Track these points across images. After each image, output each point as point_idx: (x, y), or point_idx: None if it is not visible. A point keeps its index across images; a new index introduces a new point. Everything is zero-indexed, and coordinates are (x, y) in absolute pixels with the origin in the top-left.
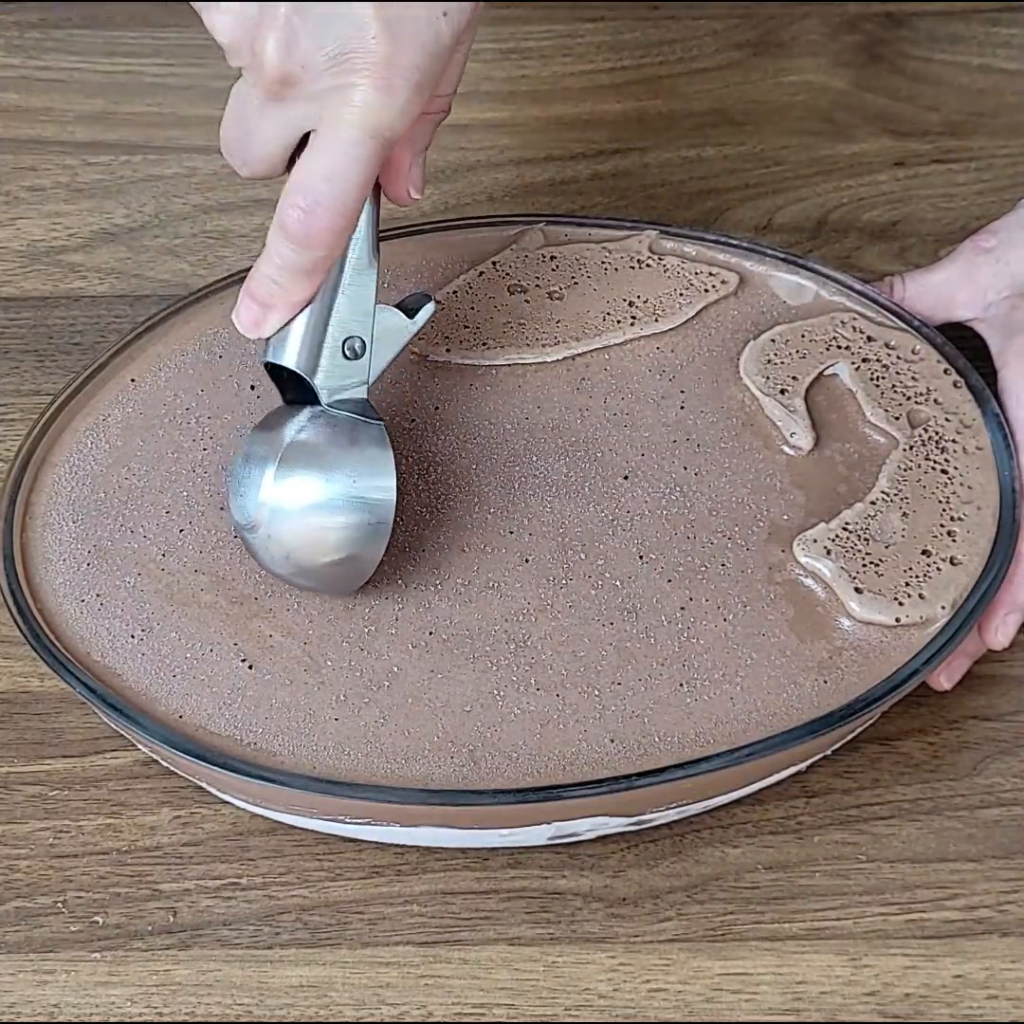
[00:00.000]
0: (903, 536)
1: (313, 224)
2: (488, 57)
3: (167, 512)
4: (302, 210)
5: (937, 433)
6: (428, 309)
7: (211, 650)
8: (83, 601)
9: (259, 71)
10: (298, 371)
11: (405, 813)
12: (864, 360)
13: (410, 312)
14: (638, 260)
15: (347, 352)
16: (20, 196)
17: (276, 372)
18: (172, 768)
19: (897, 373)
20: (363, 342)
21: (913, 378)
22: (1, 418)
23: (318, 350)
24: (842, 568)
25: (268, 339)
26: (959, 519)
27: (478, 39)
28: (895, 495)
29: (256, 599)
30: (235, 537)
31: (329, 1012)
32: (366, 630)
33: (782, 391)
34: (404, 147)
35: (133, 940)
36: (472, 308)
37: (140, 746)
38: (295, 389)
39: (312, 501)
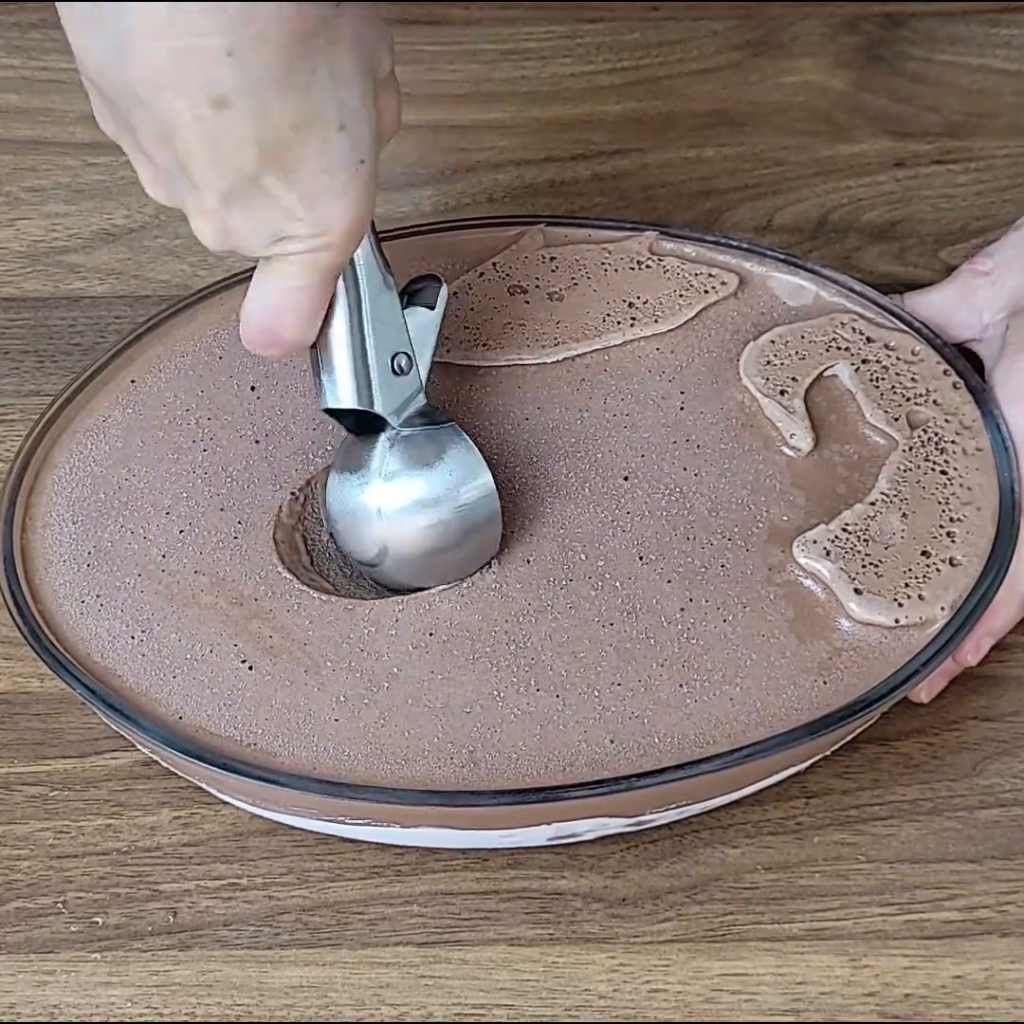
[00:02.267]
0: (902, 537)
1: (280, 344)
2: (488, 58)
3: (167, 513)
4: (262, 347)
5: (937, 434)
6: (442, 294)
7: (211, 651)
8: (83, 602)
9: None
10: (361, 409)
11: (405, 814)
12: (864, 361)
13: (428, 303)
14: (638, 261)
15: (397, 369)
16: (20, 197)
17: (337, 413)
18: (172, 769)
19: (897, 374)
20: (408, 355)
21: (913, 379)
22: (1, 418)
23: (369, 381)
24: (841, 569)
25: (319, 386)
26: (958, 520)
27: (478, 39)
28: (894, 496)
29: (256, 600)
30: (235, 538)
31: (329, 1013)
32: (366, 631)
33: (782, 392)
34: None
35: (133, 940)
36: (472, 309)
37: (140, 747)
38: (359, 421)
39: (426, 524)
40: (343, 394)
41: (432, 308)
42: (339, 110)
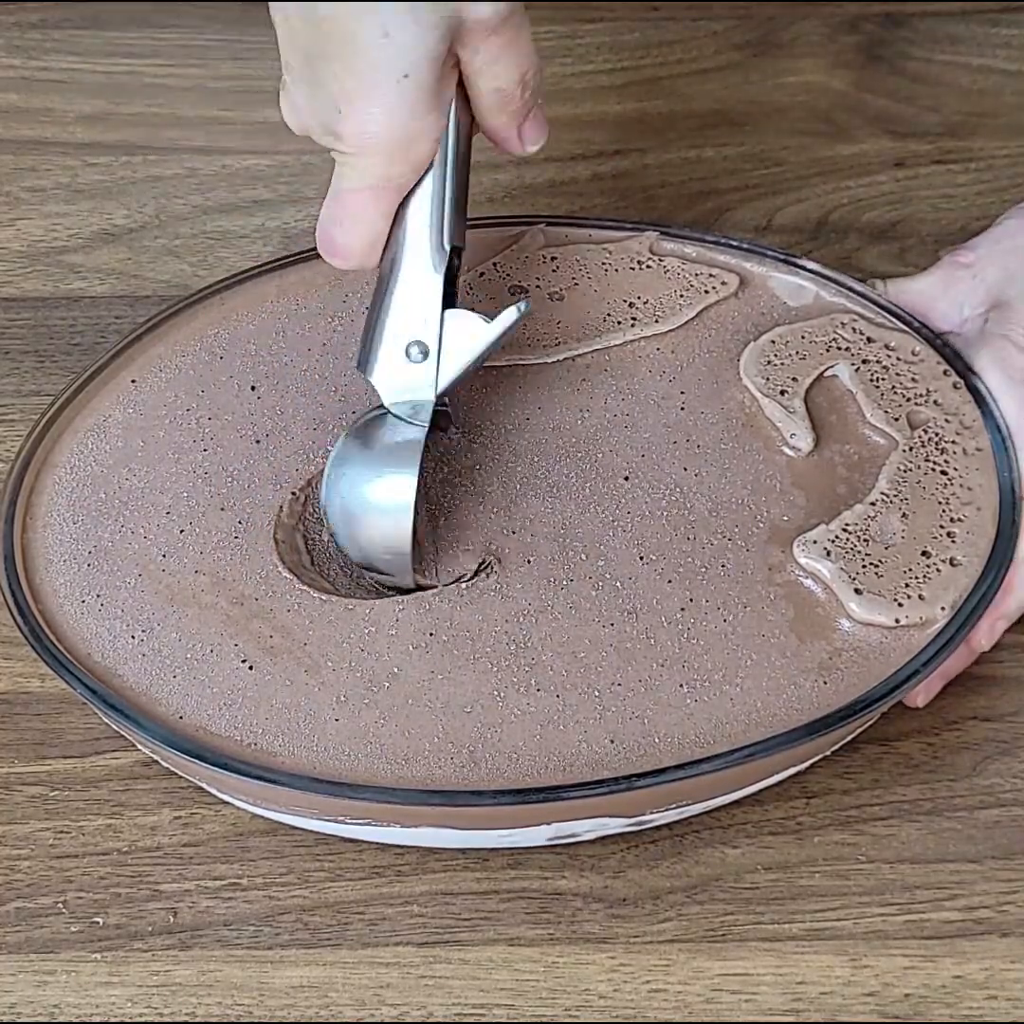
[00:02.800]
0: (903, 537)
1: (337, 255)
2: None
3: (167, 513)
4: (325, 252)
5: (937, 434)
6: (508, 313)
7: (211, 651)
8: (83, 602)
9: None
10: (357, 368)
11: (405, 813)
12: (864, 361)
13: (489, 316)
14: (638, 261)
15: (410, 355)
16: (20, 196)
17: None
18: (172, 769)
19: (897, 374)
20: (425, 347)
21: (913, 379)
22: (1, 418)
23: (375, 350)
24: (842, 569)
25: None
26: (959, 520)
27: None
28: (895, 496)
29: (256, 600)
30: (235, 538)
31: (329, 1012)
32: (366, 631)
33: (782, 392)
34: (489, 119)
35: (133, 940)
36: (472, 309)
37: (140, 747)
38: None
39: (343, 486)
40: (360, 353)
41: (488, 321)
42: (385, 20)
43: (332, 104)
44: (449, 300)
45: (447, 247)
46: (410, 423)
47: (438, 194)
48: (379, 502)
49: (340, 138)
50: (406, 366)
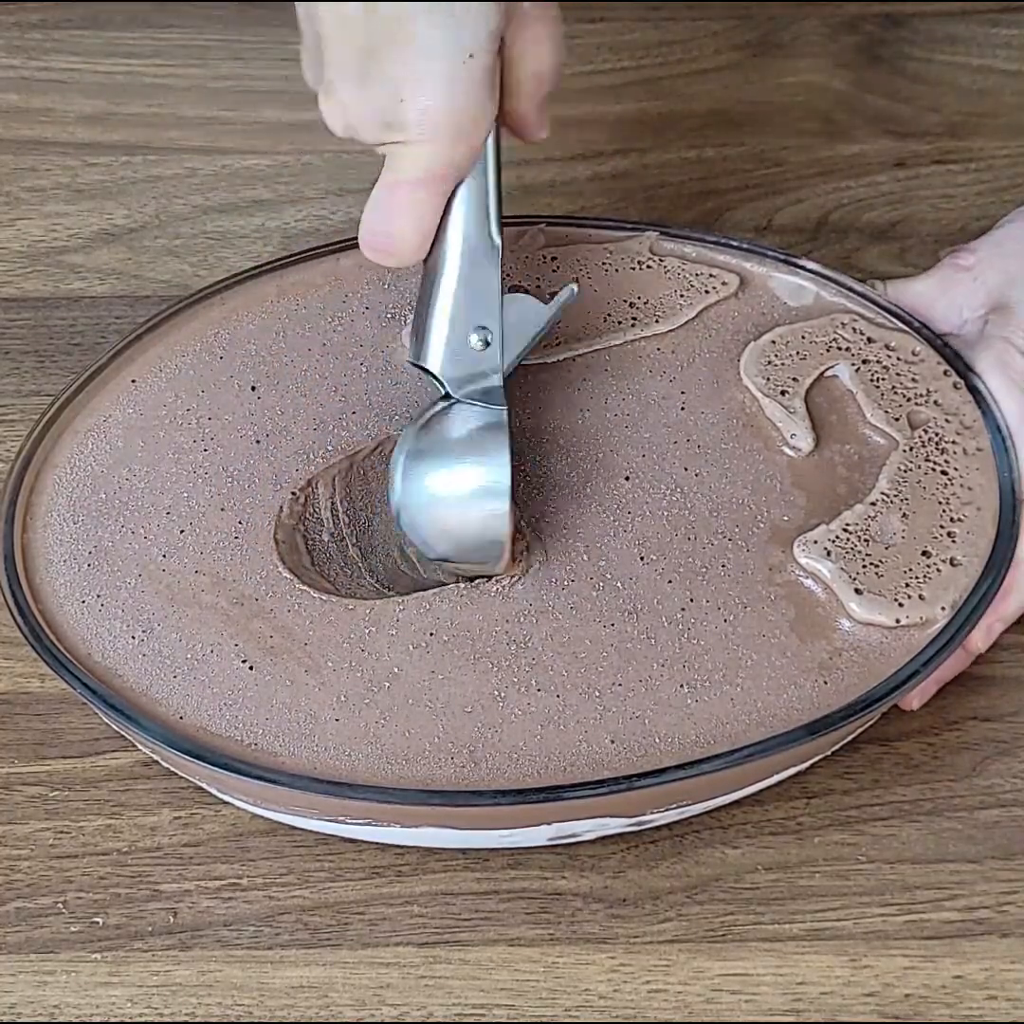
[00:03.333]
0: (903, 537)
1: (391, 251)
2: None
3: (168, 513)
4: (374, 250)
5: (937, 434)
6: (565, 293)
7: (212, 651)
8: (84, 602)
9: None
10: (417, 365)
11: (406, 813)
12: (864, 361)
13: (544, 298)
14: (639, 261)
15: (476, 343)
16: (20, 197)
17: (423, 368)
18: (172, 769)
19: (897, 374)
20: (489, 332)
21: (913, 379)
22: (1, 419)
23: (440, 342)
24: (842, 569)
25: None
26: (959, 520)
27: None
28: (895, 496)
29: (256, 600)
30: (236, 538)
31: (329, 1013)
32: (367, 631)
33: (782, 392)
34: (522, 103)
35: (133, 941)
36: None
37: (141, 747)
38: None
39: (428, 487)
40: (411, 349)
41: (544, 302)
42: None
43: (392, 93)
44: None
45: (499, 235)
46: (487, 407)
47: (482, 180)
48: (474, 490)
49: (403, 127)
50: (470, 354)
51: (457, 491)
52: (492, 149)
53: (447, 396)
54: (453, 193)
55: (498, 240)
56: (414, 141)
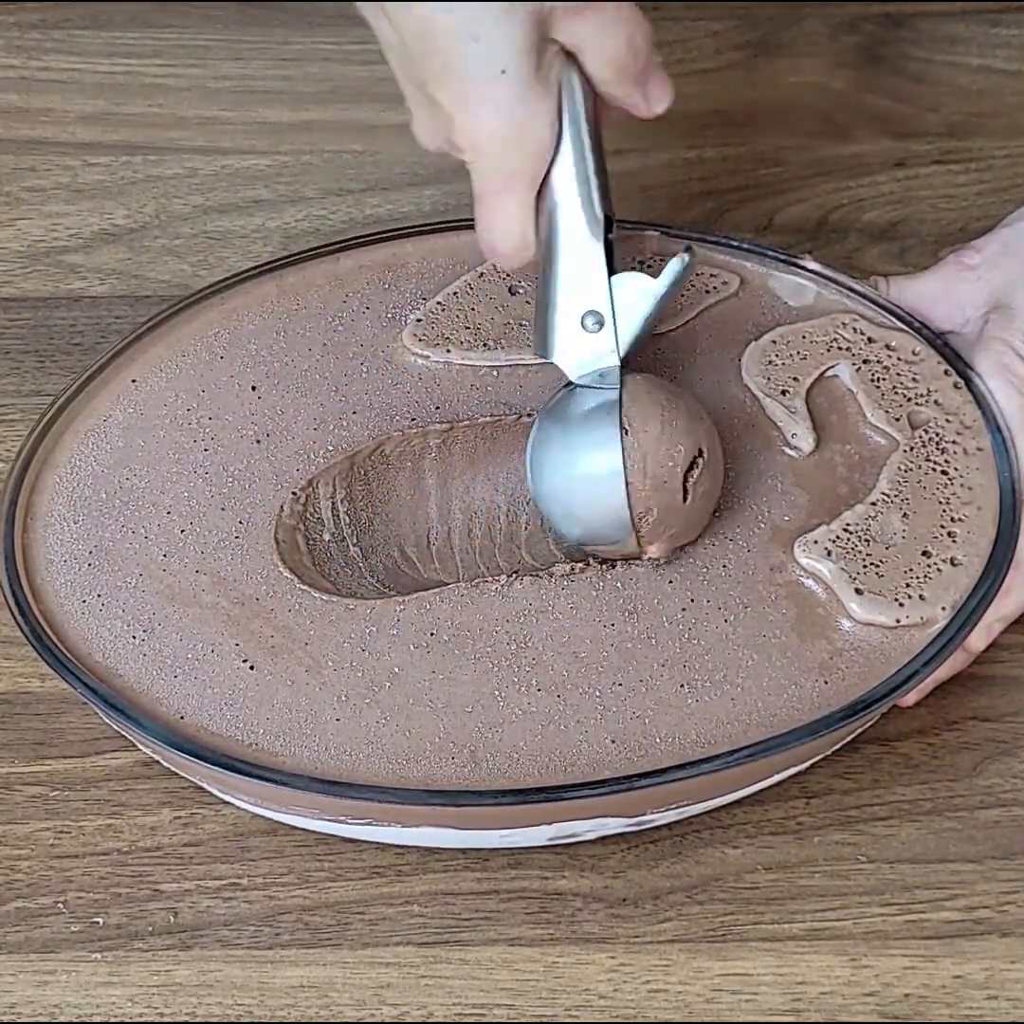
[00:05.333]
0: (903, 537)
1: (502, 258)
2: None
3: (168, 513)
4: (488, 254)
5: (937, 434)
6: (672, 266)
7: (212, 651)
8: (84, 602)
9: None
10: (537, 354)
11: (406, 813)
12: (865, 361)
13: (654, 273)
14: (639, 261)
15: (586, 326)
16: (20, 196)
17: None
18: (173, 769)
19: (898, 374)
20: (599, 315)
21: (914, 379)
22: (2, 418)
23: (554, 331)
24: (842, 569)
25: None
26: (959, 520)
27: None
28: (895, 496)
29: (257, 600)
30: (236, 538)
31: (330, 1012)
32: (367, 631)
33: (783, 392)
34: (610, 88)
35: (134, 940)
36: (473, 309)
37: (141, 747)
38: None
39: (549, 471)
40: (535, 341)
41: (655, 278)
42: (472, 23)
43: (446, 118)
44: (610, 267)
45: (600, 216)
46: (600, 388)
47: (580, 168)
48: (590, 472)
49: (459, 147)
50: (585, 338)
51: (576, 475)
52: (585, 134)
53: (569, 383)
54: (549, 183)
55: (603, 222)
56: (471, 159)
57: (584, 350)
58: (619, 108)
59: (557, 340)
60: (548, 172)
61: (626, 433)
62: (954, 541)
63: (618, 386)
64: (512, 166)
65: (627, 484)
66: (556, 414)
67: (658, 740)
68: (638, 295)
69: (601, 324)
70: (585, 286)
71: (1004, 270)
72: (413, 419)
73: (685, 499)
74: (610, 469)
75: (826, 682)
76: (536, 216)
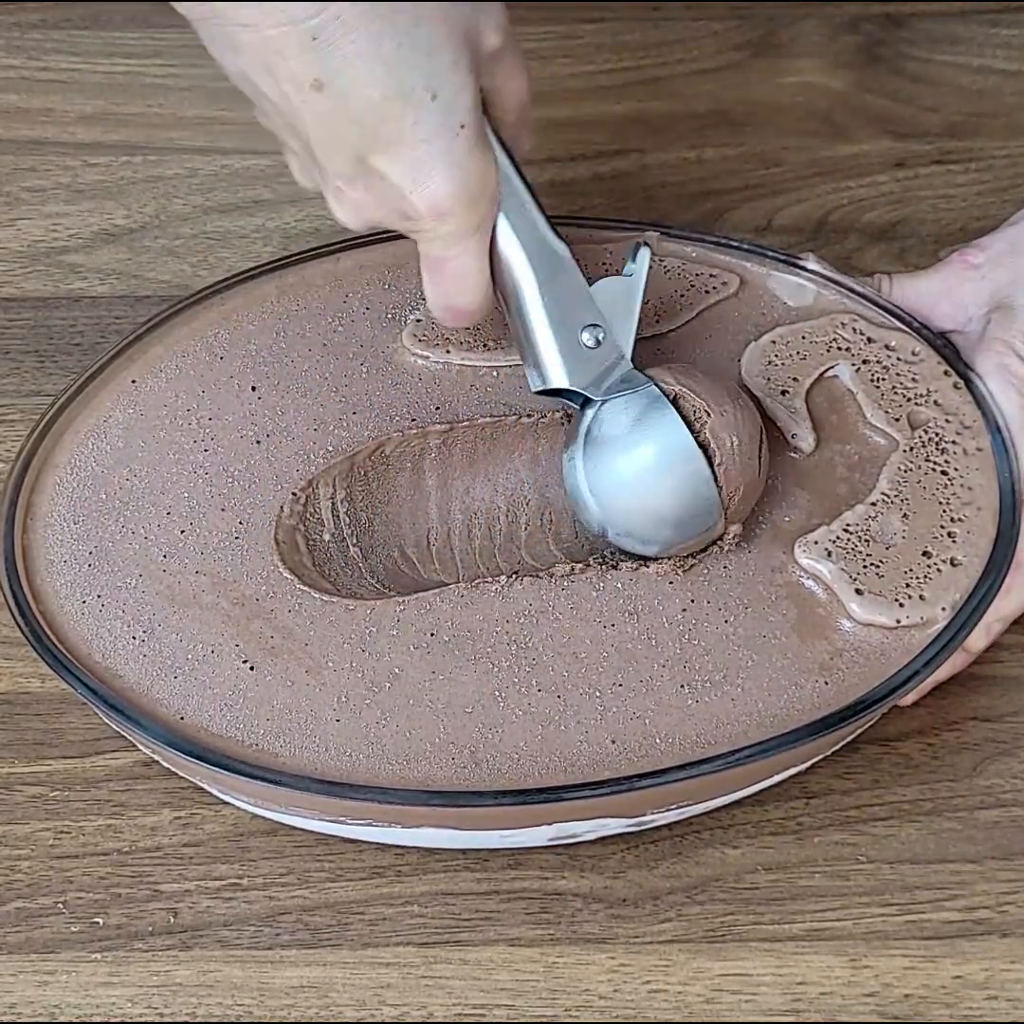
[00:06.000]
0: (903, 537)
1: (465, 317)
2: None
3: (168, 513)
4: (451, 320)
5: (937, 434)
6: (642, 256)
7: (212, 651)
8: (84, 602)
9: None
10: (549, 389)
11: (406, 814)
12: (864, 362)
13: (623, 272)
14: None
15: (589, 342)
16: (20, 197)
17: (548, 393)
18: (173, 769)
19: (897, 374)
20: (599, 327)
21: (913, 379)
22: (2, 419)
23: (556, 358)
24: (843, 570)
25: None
26: (959, 520)
27: None
28: (895, 496)
29: (257, 600)
30: (236, 538)
31: (330, 1013)
32: (367, 631)
33: (783, 392)
34: (510, 130)
35: (134, 941)
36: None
37: (141, 747)
38: (573, 396)
39: (630, 491)
40: (531, 377)
41: (628, 276)
42: (429, 81)
43: (398, 188)
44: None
45: (559, 239)
46: (634, 392)
47: (522, 202)
48: (668, 466)
49: (417, 216)
50: (589, 354)
51: (653, 477)
52: (513, 173)
53: (587, 402)
54: (497, 227)
55: (561, 244)
56: (431, 227)
57: (594, 365)
58: None
59: (563, 366)
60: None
61: (708, 416)
62: (954, 541)
63: (648, 381)
64: (473, 221)
65: (714, 467)
66: (602, 435)
67: (658, 740)
68: (622, 294)
69: (598, 337)
70: (573, 304)
71: (1008, 269)
72: (413, 419)
73: (758, 472)
74: (687, 454)
75: (826, 682)
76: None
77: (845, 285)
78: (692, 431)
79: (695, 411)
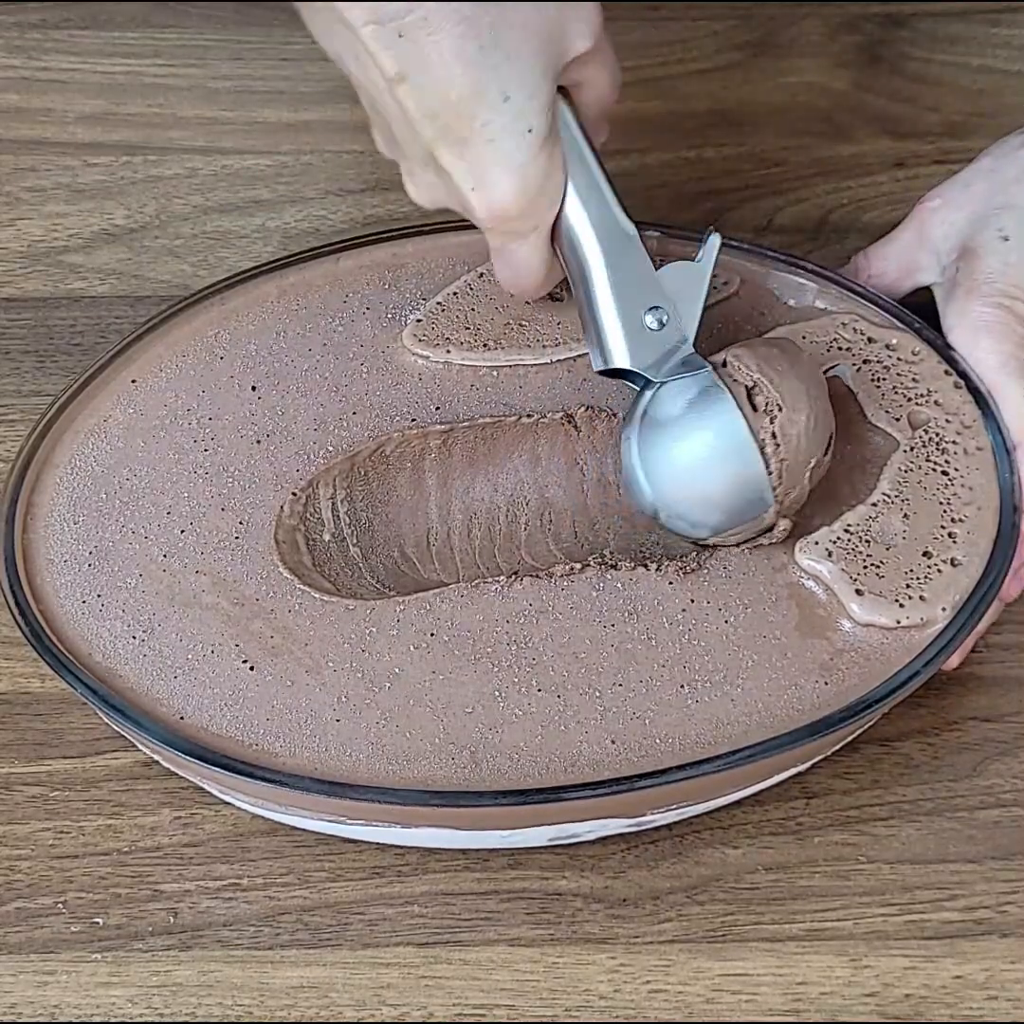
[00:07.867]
0: (904, 538)
1: (530, 292)
2: None
3: (168, 513)
4: (517, 294)
5: (938, 434)
6: (711, 244)
7: (212, 651)
8: (84, 602)
9: None
10: (610, 369)
11: (406, 814)
12: (865, 361)
13: (692, 256)
14: None
15: (653, 324)
16: (20, 197)
17: (610, 373)
18: (173, 769)
19: (898, 374)
20: (663, 309)
21: (914, 379)
22: (2, 419)
23: (620, 339)
24: (843, 570)
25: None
26: (960, 520)
27: None
28: (896, 497)
29: (257, 600)
30: (236, 538)
31: (330, 1013)
32: (367, 631)
33: None
34: (587, 121)
35: (134, 941)
36: (473, 309)
37: (141, 747)
38: (635, 377)
39: (682, 473)
40: (593, 356)
41: (697, 262)
42: (503, 83)
43: (463, 184)
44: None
45: (628, 220)
46: (693, 375)
47: (595, 189)
48: (720, 453)
49: (475, 213)
50: (652, 336)
51: (705, 462)
52: (588, 152)
53: (647, 384)
54: (564, 213)
55: (629, 224)
56: (490, 226)
57: (657, 347)
58: None
59: (627, 347)
60: (563, 201)
61: (779, 411)
62: (954, 541)
63: (707, 367)
64: (530, 224)
65: (774, 461)
66: (658, 417)
67: (658, 741)
68: (688, 279)
69: (662, 320)
70: (639, 286)
71: (967, 211)
72: (413, 419)
73: (814, 476)
74: (739, 443)
75: (826, 683)
76: (556, 241)
77: (845, 285)
78: (760, 423)
79: (768, 404)
